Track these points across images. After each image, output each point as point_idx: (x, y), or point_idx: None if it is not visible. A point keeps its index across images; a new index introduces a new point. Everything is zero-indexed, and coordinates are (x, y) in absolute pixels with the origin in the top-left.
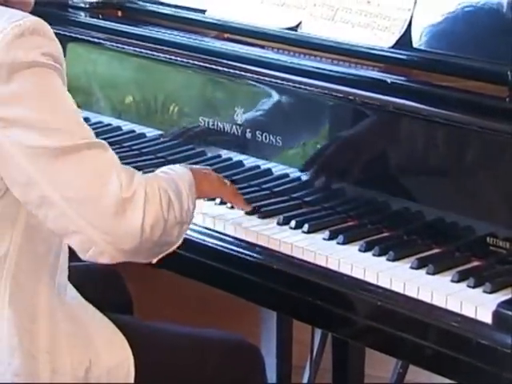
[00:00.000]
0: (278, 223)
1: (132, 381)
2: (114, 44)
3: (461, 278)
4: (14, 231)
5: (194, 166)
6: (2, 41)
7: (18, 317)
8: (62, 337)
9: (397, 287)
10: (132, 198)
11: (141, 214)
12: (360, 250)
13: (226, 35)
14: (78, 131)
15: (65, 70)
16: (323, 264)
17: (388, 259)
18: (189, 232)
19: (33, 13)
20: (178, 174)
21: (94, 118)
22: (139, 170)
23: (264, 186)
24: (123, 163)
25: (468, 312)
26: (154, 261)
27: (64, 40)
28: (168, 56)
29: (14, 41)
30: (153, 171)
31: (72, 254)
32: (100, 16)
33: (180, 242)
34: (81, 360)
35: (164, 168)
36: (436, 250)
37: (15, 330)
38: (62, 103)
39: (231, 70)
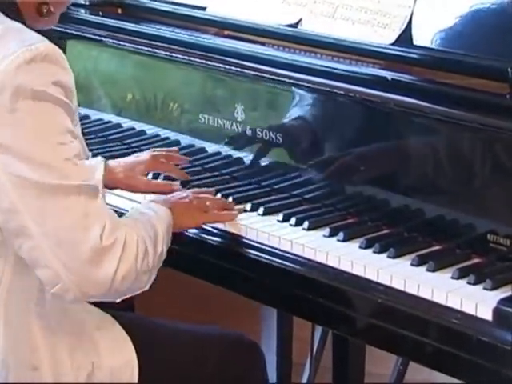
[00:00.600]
0: (279, 220)
1: (136, 381)
2: (115, 41)
3: (461, 275)
4: (7, 260)
5: (173, 199)
6: (11, 64)
7: (14, 334)
8: (62, 344)
9: (397, 284)
10: (110, 247)
11: (115, 265)
12: (360, 247)
13: (226, 32)
14: (71, 171)
15: (75, 99)
16: (323, 261)
17: (388, 256)
18: (188, 230)
19: None
20: (157, 214)
21: (95, 115)
22: None
23: (264, 184)
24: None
25: (468, 309)
26: (118, 301)
27: (64, 37)
28: (168, 53)
29: (22, 65)
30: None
31: None
32: (100, 13)
33: (148, 287)
34: (84, 364)
35: (143, 206)
36: (436, 247)
37: (10, 348)
38: (61, 140)
39: (231, 67)
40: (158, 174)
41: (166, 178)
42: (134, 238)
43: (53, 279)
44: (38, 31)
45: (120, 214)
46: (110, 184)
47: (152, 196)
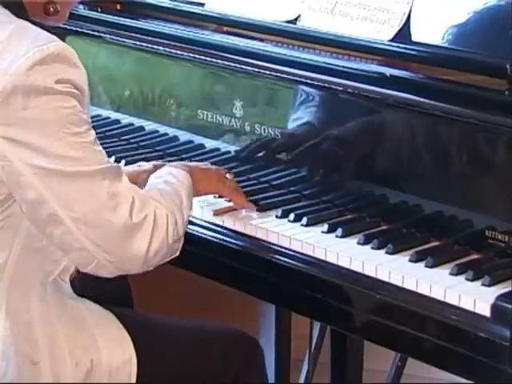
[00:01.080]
0: (277, 216)
1: (134, 381)
2: (113, 37)
3: (459, 271)
4: (15, 241)
5: (192, 164)
6: (23, 64)
7: (16, 325)
8: (62, 340)
9: (395, 280)
10: (141, 224)
11: (147, 241)
12: (359, 243)
13: (224, 28)
14: (92, 158)
15: (88, 96)
16: (322, 257)
17: (387, 252)
18: (188, 225)
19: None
20: (179, 180)
21: (93, 111)
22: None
23: (263, 179)
24: (121, 156)
25: (467, 305)
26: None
27: (63, 33)
28: (167, 49)
29: (34, 66)
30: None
31: None
32: (99, 9)
33: (178, 253)
34: (83, 361)
35: (165, 172)
36: (435, 243)
37: (11, 338)
38: (75, 132)
39: (230, 63)
40: None
41: None
42: (163, 211)
43: (87, 259)
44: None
45: None
46: None
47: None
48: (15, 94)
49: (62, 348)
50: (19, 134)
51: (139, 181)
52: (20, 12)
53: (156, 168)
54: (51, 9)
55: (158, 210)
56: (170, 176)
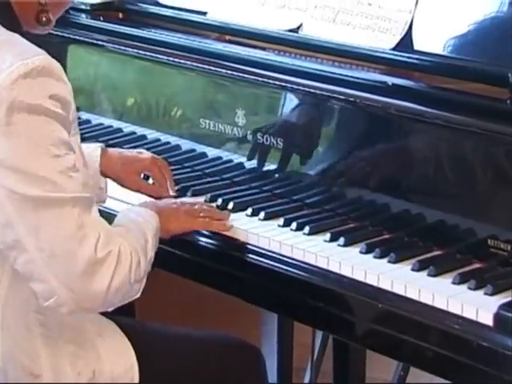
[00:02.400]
0: (279, 225)
1: None
2: (115, 46)
3: (462, 280)
4: (4, 270)
5: (162, 203)
6: (6, 78)
7: (13, 341)
8: (64, 351)
9: (398, 289)
10: (105, 259)
11: (109, 277)
12: (361, 252)
13: (227, 37)
14: (66, 183)
15: (73, 110)
16: (324, 266)
17: (389, 261)
18: (188, 234)
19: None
20: (146, 220)
21: (95, 119)
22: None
23: (265, 188)
24: None
25: (469, 314)
26: (110, 310)
27: (65, 42)
28: (169, 58)
29: (18, 80)
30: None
31: None
32: (101, 18)
33: (139, 295)
34: (85, 371)
35: (133, 212)
36: (437, 252)
37: (9, 355)
38: (55, 153)
39: (232, 72)
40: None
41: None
42: (128, 250)
43: (47, 293)
44: (39, 35)
45: (113, 216)
46: (104, 170)
47: (141, 197)
48: None
49: (63, 359)
50: None
51: (133, 168)
52: (12, 22)
53: (153, 161)
54: (44, 18)
55: (123, 247)
56: (138, 216)
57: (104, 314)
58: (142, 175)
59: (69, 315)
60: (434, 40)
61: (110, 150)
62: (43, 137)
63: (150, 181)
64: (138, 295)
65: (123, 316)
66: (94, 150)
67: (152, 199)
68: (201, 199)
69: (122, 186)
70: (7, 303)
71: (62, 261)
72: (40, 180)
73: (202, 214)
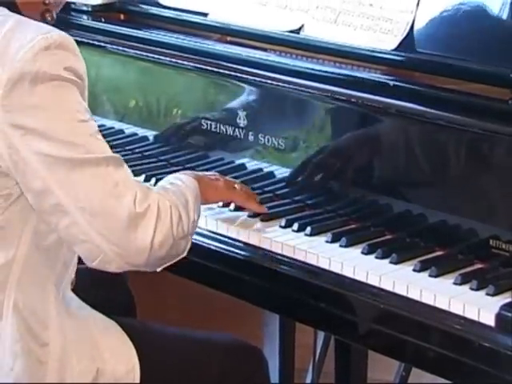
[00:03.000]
0: (281, 226)
1: None
2: (117, 47)
3: (464, 280)
4: (23, 237)
5: (201, 173)
6: (29, 51)
7: (24, 322)
8: (72, 346)
9: (400, 290)
10: (145, 214)
11: (151, 231)
12: (363, 253)
13: (228, 38)
14: (95, 145)
15: (86, 86)
16: (326, 267)
17: (391, 262)
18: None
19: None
20: (186, 184)
21: (97, 121)
22: (142, 173)
23: (266, 189)
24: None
25: (471, 314)
26: (159, 270)
27: None
28: (170, 59)
29: (40, 52)
30: (155, 174)
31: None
32: (103, 19)
33: (186, 253)
34: (88, 369)
35: (172, 177)
36: (439, 253)
37: (19, 335)
38: (81, 118)
39: (233, 73)
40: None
41: None
42: (167, 204)
43: (93, 252)
44: None
45: None
46: None
47: None
48: (22, 80)
49: (71, 353)
50: (27, 120)
51: None
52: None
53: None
54: (49, 17)
55: (161, 203)
56: (177, 180)
57: (106, 314)
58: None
59: (117, 271)
60: (435, 41)
61: None
62: (68, 103)
63: None
64: (185, 254)
65: (124, 316)
66: None
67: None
68: None
69: None
70: (22, 283)
71: (103, 218)
72: (71, 144)
73: (239, 188)
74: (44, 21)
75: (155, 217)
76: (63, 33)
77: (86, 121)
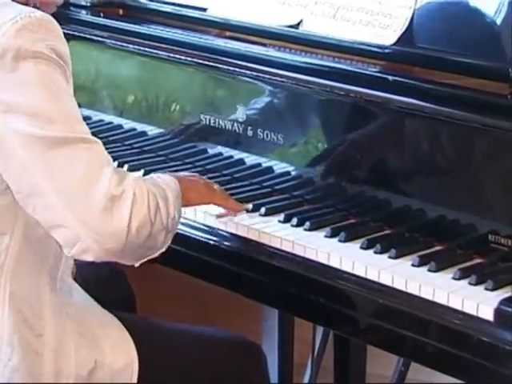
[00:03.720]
0: (280, 221)
1: (135, 381)
2: (116, 42)
3: (462, 275)
4: (15, 228)
5: (181, 174)
6: (11, 28)
7: (20, 313)
8: (69, 336)
9: (398, 284)
10: (120, 196)
11: (127, 214)
12: (362, 248)
13: (227, 33)
14: (75, 125)
15: (70, 69)
16: (325, 261)
17: (390, 257)
18: (190, 230)
19: None
20: (166, 182)
21: (96, 116)
22: (140, 168)
23: (265, 184)
24: (124, 161)
25: (470, 309)
26: (137, 264)
27: (65, 38)
28: (169, 54)
29: (22, 29)
30: (154, 170)
31: None
32: (101, 14)
33: (165, 248)
34: (86, 361)
35: (152, 175)
36: (438, 248)
37: (15, 327)
38: (62, 96)
39: (232, 68)
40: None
41: None
42: (144, 189)
43: (70, 238)
44: None
45: None
46: None
47: None
48: (4, 56)
49: (68, 344)
50: (7, 96)
51: None
52: None
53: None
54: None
55: (138, 188)
56: (158, 178)
57: (106, 308)
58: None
59: (95, 260)
60: (434, 35)
61: None
62: (50, 80)
63: None
64: (164, 248)
65: (124, 311)
66: None
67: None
68: None
69: None
70: (17, 273)
71: (79, 199)
72: (51, 121)
73: (218, 189)
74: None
75: (131, 200)
76: (48, 14)
77: (67, 100)
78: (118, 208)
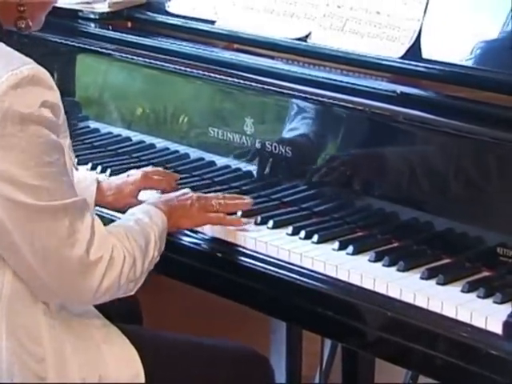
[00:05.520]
0: (288, 234)
1: None
2: (124, 55)
3: (471, 288)
4: (6, 265)
5: (173, 201)
6: None
7: (19, 345)
8: (70, 356)
9: (407, 298)
10: (97, 263)
11: (99, 278)
12: (370, 261)
13: (235, 46)
14: (60, 190)
15: (62, 113)
16: (333, 274)
17: (398, 269)
18: (198, 242)
19: (43, 23)
20: (152, 220)
21: (104, 128)
22: None
23: (273, 197)
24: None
25: (478, 322)
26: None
27: (74, 51)
28: (177, 67)
29: (9, 91)
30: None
31: None
32: (110, 27)
33: (134, 292)
34: (90, 377)
35: (141, 211)
36: (446, 261)
37: (15, 358)
38: (46, 161)
39: (241, 81)
40: None
41: None
42: (121, 254)
43: (41, 289)
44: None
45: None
46: (99, 203)
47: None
48: None
49: (69, 363)
50: None
51: (126, 193)
52: None
53: (145, 177)
54: (22, 24)
55: (116, 251)
56: (145, 215)
57: (111, 320)
58: None
59: (64, 304)
60: (442, 48)
61: (103, 183)
62: (35, 146)
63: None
64: (133, 293)
65: (131, 324)
66: (90, 184)
67: (166, 194)
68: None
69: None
70: (12, 306)
71: (55, 264)
72: (33, 189)
73: (215, 209)
74: (17, 28)
75: (105, 267)
76: (35, 65)
77: (52, 163)
78: (91, 273)
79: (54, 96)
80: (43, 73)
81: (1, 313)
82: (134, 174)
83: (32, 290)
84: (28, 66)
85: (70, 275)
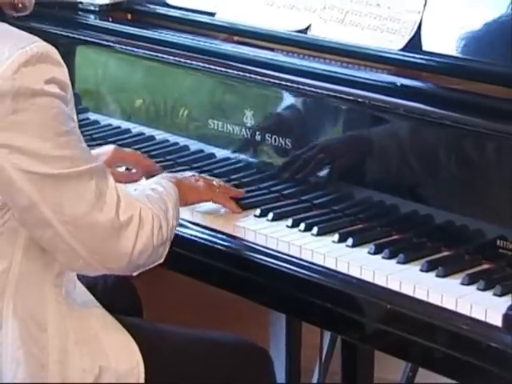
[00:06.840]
0: (288, 226)
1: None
2: (124, 47)
3: (471, 280)
4: (16, 245)
5: (180, 176)
6: (8, 68)
7: (25, 328)
8: (73, 345)
9: (406, 290)
10: (128, 223)
11: (133, 240)
12: (369, 253)
13: (235, 38)
14: (81, 156)
15: (71, 93)
16: (333, 267)
17: (398, 262)
18: (198, 234)
19: (43, 16)
20: (167, 191)
21: (104, 120)
22: None
23: (273, 189)
24: None
25: (478, 315)
26: (135, 274)
27: (74, 43)
28: (177, 59)
29: (20, 69)
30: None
31: None
32: (110, 19)
33: (163, 259)
34: (91, 367)
35: (153, 182)
36: (446, 253)
37: (20, 342)
38: (64, 131)
39: (241, 73)
40: None
41: None
42: (149, 213)
43: (74, 259)
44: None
45: None
46: None
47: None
48: (4, 98)
49: (71, 353)
50: (10, 138)
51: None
52: None
53: (117, 149)
54: (20, 4)
55: (144, 212)
56: (158, 185)
57: (111, 313)
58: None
59: (95, 274)
60: (442, 40)
61: None
62: (51, 117)
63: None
64: (162, 260)
65: (131, 316)
66: None
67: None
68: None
69: None
70: (20, 288)
71: (86, 230)
72: (56, 159)
73: (218, 190)
74: (16, 10)
75: (137, 226)
76: (43, 42)
77: (69, 131)
78: (123, 235)
79: (62, 72)
80: (51, 50)
81: (8, 295)
82: (105, 147)
83: (67, 265)
84: (37, 44)
85: (104, 240)
